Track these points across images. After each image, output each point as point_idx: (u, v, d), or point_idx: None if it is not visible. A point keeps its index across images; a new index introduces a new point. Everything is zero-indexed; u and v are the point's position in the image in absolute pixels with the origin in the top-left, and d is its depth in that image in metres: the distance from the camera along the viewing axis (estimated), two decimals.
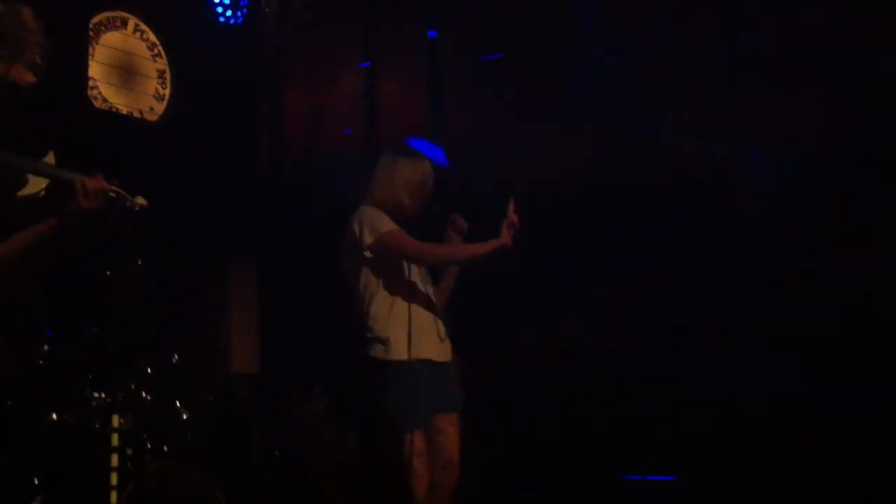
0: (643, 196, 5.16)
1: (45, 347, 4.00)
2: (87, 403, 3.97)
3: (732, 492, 4.73)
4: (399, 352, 3.82)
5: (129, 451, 3.94)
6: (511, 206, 3.82)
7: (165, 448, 4.07)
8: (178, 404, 4.11)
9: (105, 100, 4.71)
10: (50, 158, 3.01)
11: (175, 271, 4.48)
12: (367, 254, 3.88)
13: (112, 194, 3.01)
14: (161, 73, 4.96)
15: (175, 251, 4.55)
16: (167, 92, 4.96)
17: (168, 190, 4.48)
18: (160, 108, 4.93)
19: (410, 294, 3.89)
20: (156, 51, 4.99)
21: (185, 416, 4.13)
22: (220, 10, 5.31)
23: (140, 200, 3.10)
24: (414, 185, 3.94)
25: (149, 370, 4.10)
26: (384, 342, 3.84)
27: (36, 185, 2.94)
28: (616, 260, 5.04)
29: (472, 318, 4.82)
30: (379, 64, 5.49)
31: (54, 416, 3.91)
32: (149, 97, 4.90)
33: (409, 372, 3.79)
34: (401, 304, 3.87)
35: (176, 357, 4.16)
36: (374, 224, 3.89)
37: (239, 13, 5.33)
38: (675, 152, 5.08)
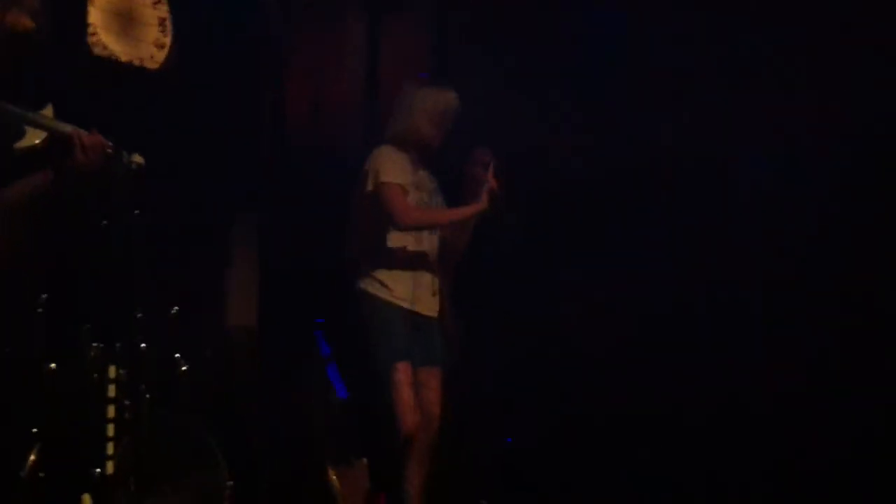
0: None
1: (44, 296, 3.84)
2: (85, 353, 3.85)
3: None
4: (399, 299, 3.93)
5: (127, 403, 3.67)
6: (490, 171, 3.84)
7: (163, 399, 3.94)
8: (176, 355, 3.99)
9: (105, 47, 4.56)
10: (48, 111, 3.02)
11: (174, 222, 4.29)
12: (365, 201, 3.95)
13: (109, 151, 2.98)
14: (162, 21, 4.82)
15: (175, 201, 4.35)
16: (168, 40, 4.79)
17: (168, 139, 4.30)
18: (161, 56, 4.79)
19: (415, 243, 3.96)
20: None
21: (183, 368, 3.99)
22: None
23: (137, 159, 3.16)
24: (435, 114, 4.02)
25: (147, 321, 3.87)
26: (385, 286, 3.93)
27: (33, 137, 2.96)
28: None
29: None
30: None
31: (52, 365, 3.79)
32: (149, 45, 4.76)
33: (404, 316, 3.91)
34: (405, 254, 3.94)
35: (175, 308, 4.02)
36: (379, 170, 3.91)
37: None
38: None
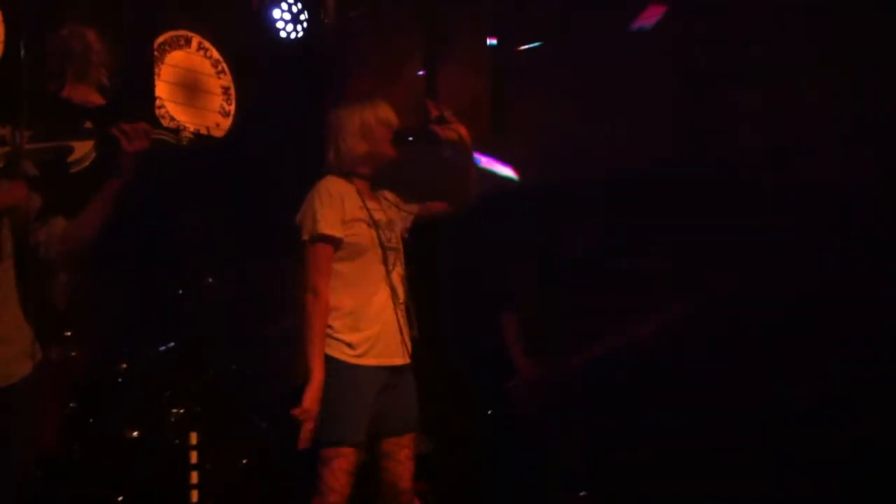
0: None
1: (124, 365, 3.98)
2: (166, 419, 3.95)
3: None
4: (363, 356, 3.27)
5: (208, 467, 3.90)
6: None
7: (244, 461, 4.07)
8: (255, 417, 4.07)
9: (172, 118, 4.74)
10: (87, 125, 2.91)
11: (248, 279, 4.49)
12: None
13: (157, 136, 2.94)
14: (226, 90, 5.00)
15: (246, 260, 4.56)
16: (232, 108, 4.99)
17: (239, 201, 4.47)
18: (226, 123, 4.96)
19: (377, 286, 3.32)
20: (220, 67, 5.03)
21: (263, 426, 4.10)
22: (280, 26, 5.30)
23: (186, 133, 3.04)
24: (366, 131, 3.36)
25: (225, 382, 4.09)
26: (349, 343, 3.26)
27: (82, 148, 2.86)
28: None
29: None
30: (439, 66, 5.40)
31: (134, 433, 3.88)
32: (214, 114, 4.93)
33: (371, 376, 3.26)
34: (367, 300, 3.31)
35: (249, 370, 4.13)
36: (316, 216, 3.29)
37: (300, 28, 5.33)
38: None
